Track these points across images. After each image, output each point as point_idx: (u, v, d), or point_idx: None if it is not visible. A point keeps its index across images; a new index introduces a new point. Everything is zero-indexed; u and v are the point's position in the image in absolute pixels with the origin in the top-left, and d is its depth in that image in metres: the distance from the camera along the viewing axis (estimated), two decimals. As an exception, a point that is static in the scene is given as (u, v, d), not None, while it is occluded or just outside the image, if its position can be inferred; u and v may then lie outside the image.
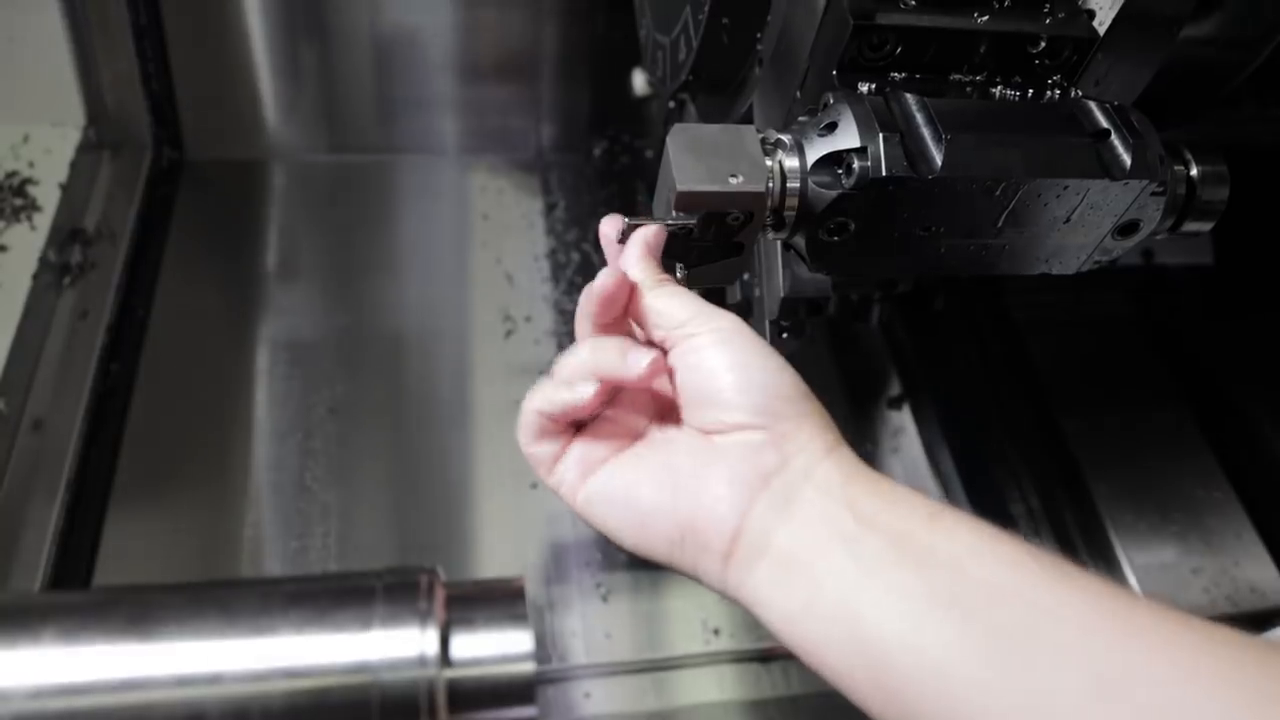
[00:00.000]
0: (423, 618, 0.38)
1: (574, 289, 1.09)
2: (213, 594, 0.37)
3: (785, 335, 0.64)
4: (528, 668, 0.40)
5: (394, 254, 1.11)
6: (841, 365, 1.08)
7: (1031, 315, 1.08)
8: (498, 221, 1.15)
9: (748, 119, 0.68)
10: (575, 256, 1.12)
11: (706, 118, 0.75)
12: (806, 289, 0.60)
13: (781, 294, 0.61)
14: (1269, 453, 1.02)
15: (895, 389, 1.05)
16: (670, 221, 0.44)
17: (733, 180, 0.44)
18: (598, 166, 1.22)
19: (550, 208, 1.17)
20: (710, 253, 0.47)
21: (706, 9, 0.61)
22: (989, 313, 1.09)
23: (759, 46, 0.62)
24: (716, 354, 0.42)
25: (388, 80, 1.20)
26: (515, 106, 1.23)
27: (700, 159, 0.44)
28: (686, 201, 0.44)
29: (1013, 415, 1.04)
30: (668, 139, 0.45)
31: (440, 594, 0.40)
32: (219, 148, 1.17)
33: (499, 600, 0.41)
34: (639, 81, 1.06)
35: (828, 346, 1.09)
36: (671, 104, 0.90)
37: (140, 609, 0.35)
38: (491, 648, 0.40)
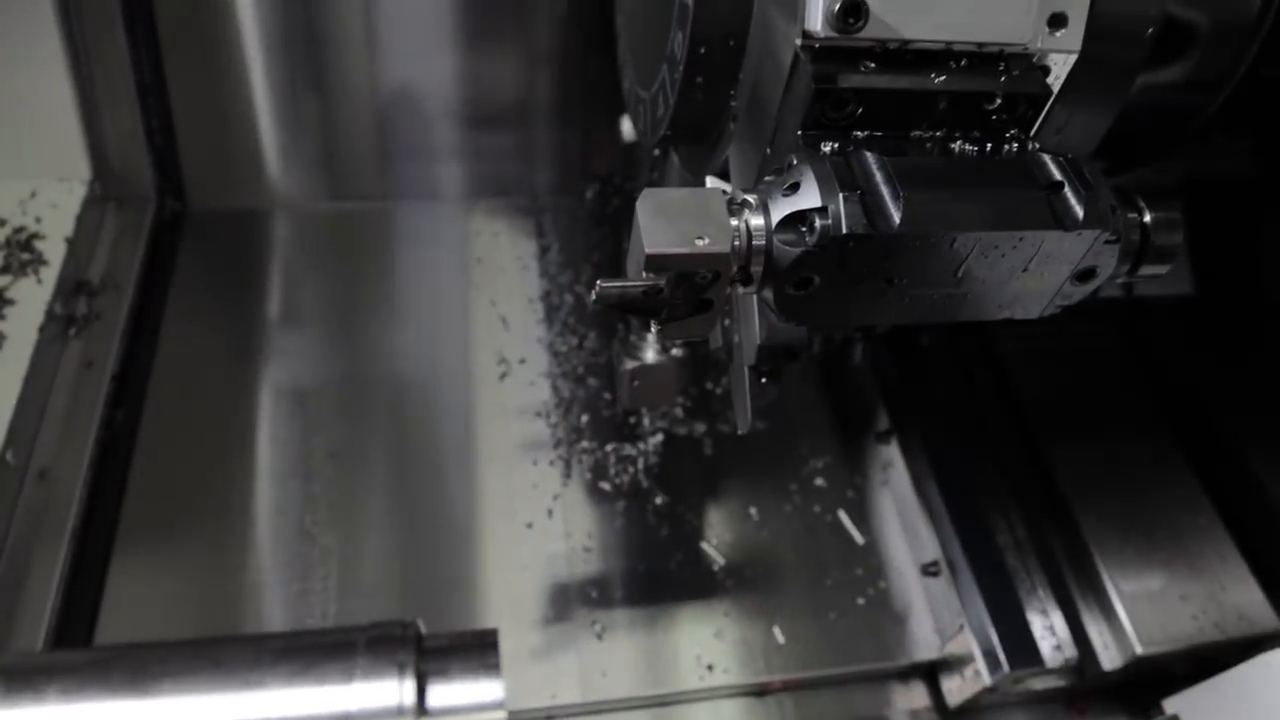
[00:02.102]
0: (400, 669, 0.40)
1: (567, 331, 1.11)
2: (206, 650, 0.39)
3: (764, 381, 0.66)
4: (499, 716, 0.42)
5: (393, 298, 1.14)
6: (832, 401, 1.10)
7: (1016, 348, 1.10)
8: (492, 265, 1.18)
9: (726, 169, 0.70)
10: (569, 299, 1.14)
11: (688, 166, 0.78)
12: (782, 336, 0.63)
13: (758, 341, 0.63)
14: (1253, 477, 1.04)
15: (883, 423, 1.07)
16: (641, 282, 0.46)
17: (699, 242, 0.46)
18: (590, 209, 1.25)
19: (544, 250, 1.20)
20: (680, 309, 0.49)
21: (681, 69, 0.63)
22: (974, 346, 1.11)
23: (733, 103, 0.65)
24: None
25: (387, 129, 1.23)
26: (510, 152, 1.26)
27: (668, 222, 0.47)
28: (655, 263, 0.46)
29: (999, 447, 1.06)
30: (637, 204, 0.47)
31: (417, 646, 0.42)
32: (221, 198, 1.20)
33: (473, 651, 0.43)
34: (628, 127, 1.09)
35: (818, 383, 1.11)
36: (656, 151, 0.93)
37: (138, 665, 0.37)
38: (465, 697, 0.42)
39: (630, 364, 0.83)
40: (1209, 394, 1.09)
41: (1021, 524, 1.01)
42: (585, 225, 1.23)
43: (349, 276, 1.16)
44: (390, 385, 1.05)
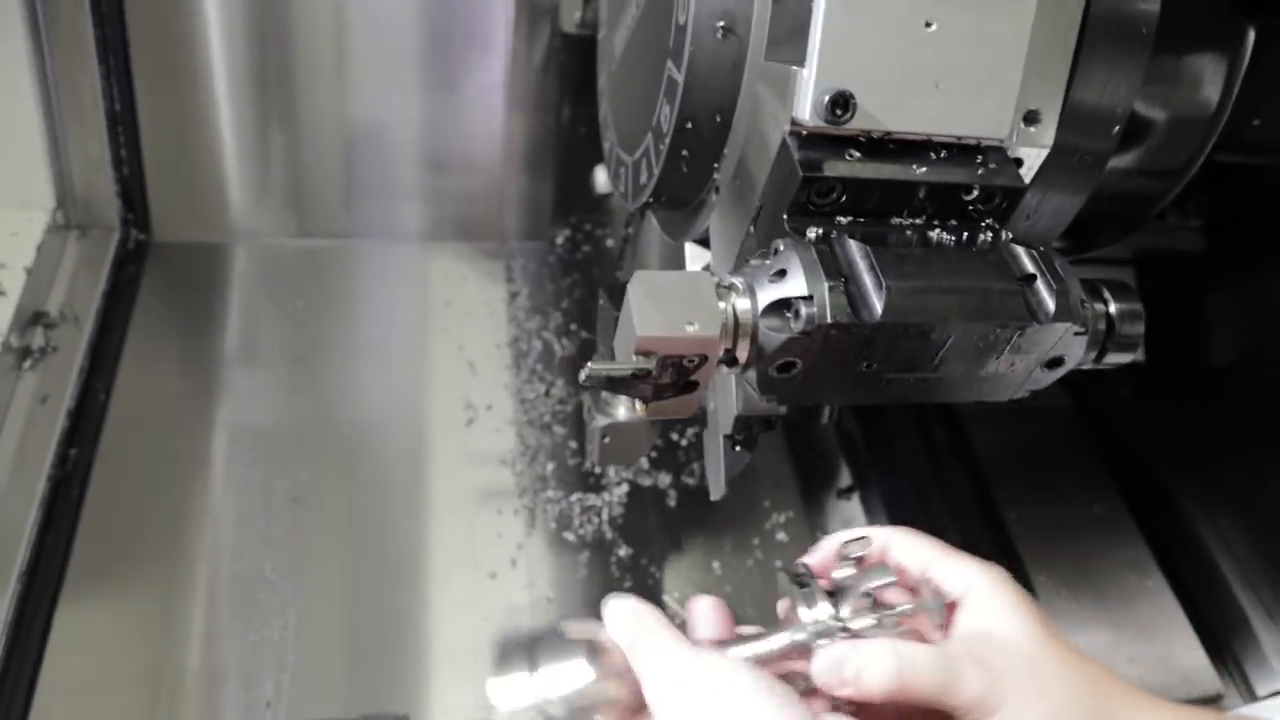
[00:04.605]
0: None
1: (535, 378, 1.12)
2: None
3: (738, 449, 0.67)
4: None
5: (357, 339, 1.13)
6: (795, 456, 1.12)
7: (974, 408, 1.12)
8: (460, 308, 1.18)
9: (704, 236, 0.72)
10: (537, 344, 1.15)
11: (666, 230, 0.79)
12: (759, 407, 0.64)
13: (736, 412, 0.64)
14: (1197, 542, 1.07)
15: (845, 480, 1.08)
16: (630, 365, 0.47)
17: (689, 328, 0.47)
18: (560, 255, 1.26)
19: (513, 295, 1.20)
20: (667, 390, 0.50)
21: (667, 141, 0.65)
22: (934, 405, 1.14)
23: (716, 175, 0.66)
24: None
25: (354, 166, 1.23)
26: (480, 194, 1.27)
27: (659, 306, 0.47)
28: (646, 346, 0.47)
29: (957, 505, 1.08)
30: (629, 287, 0.48)
31: None
32: (186, 230, 1.19)
33: None
34: (601, 179, 1.10)
35: (782, 439, 1.13)
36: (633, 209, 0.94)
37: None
38: None
39: (603, 421, 0.84)
40: (1156, 458, 1.13)
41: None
42: (555, 271, 1.24)
43: (313, 314, 1.15)
44: (354, 428, 1.05)
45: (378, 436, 1.04)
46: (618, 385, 0.49)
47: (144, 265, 1.14)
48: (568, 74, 1.20)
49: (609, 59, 0.83)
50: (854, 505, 1.06)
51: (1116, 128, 0.63)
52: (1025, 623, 0.45)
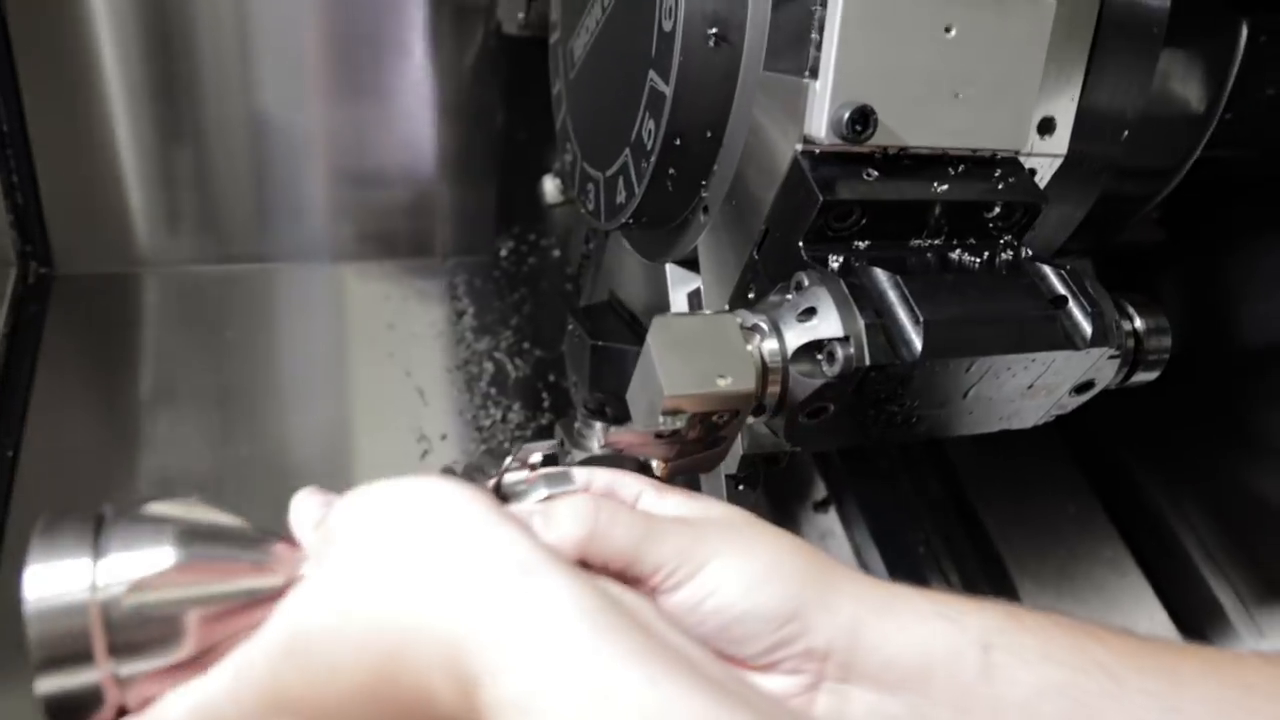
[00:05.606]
0: None
1: (490, 402, 1.05)
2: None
3: (741, 488, 0.62)
4: None
5: (291, 373, 1.04)
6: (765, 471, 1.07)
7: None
8: (404, 331, 1.10)
9: (689, 257, 0.66)
10: (489, 366, 1.08)
11: (643, 250, 0.73)
12: (765, 445, 0.59)
13: (741, 451, 0.59)
14: (1168, 533, 1.07)
15: (820, 492, 1.05)
16: (654, 429, 0.42)
17: (721, 381, 0.42)
18: (505, 269, 1.19)
19: (459, 315, 1.13)
20: (691, 448, 0.45)
21: (653, 160, 0.59)
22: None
23: (704, 194, 0.61)
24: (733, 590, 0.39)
25: (270, 184, 1.13)
26: (412, 208, 1.19)
27: (685, 358, 0.42)
28: (675, 406, 0.41)
29: (937, 512, 1.05)
30: (649, 338, 0.42)
31: None
32: (91, 261, 1.08)
33: None
34: (550, 189, 1.03)
35: (753, 454, 1.08)
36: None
37: None
38: None
39: (579, 455, 0.78)
40: (1122, 449, 1.12)
41: (962, 589, 1.01)
42: (501, 286, 1.17)
43: (241, 348, 1.06)
44: (297, 471, 0.96)
45: (324, 478, 0.95)
46: (639, 449, 0.44)
47: (47, 302, 1.03)
48: (504, 77, 1.13)
49: (566, 65, 0.77)
50: (831, 518, 1.03)
51: (1126, 131, 0.60)
52: (728, 508, 0.43)
